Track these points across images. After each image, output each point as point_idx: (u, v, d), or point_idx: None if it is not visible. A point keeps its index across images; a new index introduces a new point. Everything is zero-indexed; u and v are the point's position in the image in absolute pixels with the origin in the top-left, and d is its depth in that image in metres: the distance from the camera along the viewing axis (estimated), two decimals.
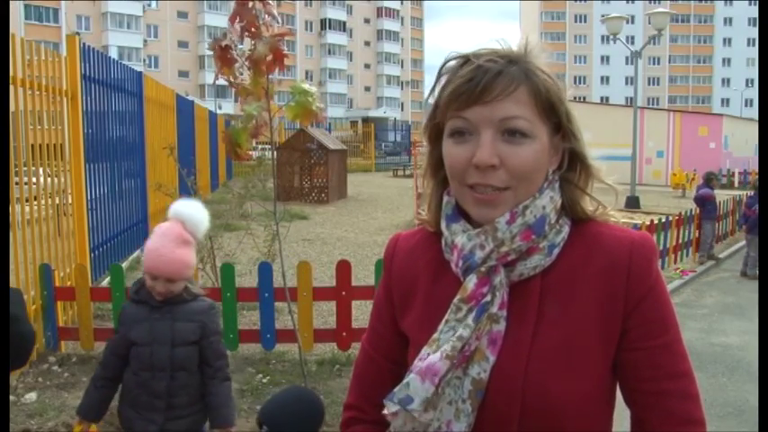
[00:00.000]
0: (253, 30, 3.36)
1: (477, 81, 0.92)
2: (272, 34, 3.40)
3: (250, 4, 3.37)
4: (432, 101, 1.01)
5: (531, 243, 0.96)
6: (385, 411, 0.97)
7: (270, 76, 3.46)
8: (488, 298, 0.95)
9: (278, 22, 3.44)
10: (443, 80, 0.98)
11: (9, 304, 1.47)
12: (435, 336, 0.96)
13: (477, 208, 0.96)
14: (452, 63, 0.98)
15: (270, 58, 3.38)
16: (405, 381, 0.95)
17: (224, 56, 3.39)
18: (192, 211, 2.47)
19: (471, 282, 0.96)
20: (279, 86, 3.59)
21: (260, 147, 17.63)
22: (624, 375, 0.98)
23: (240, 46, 3.44)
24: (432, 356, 0.94)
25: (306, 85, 3.49)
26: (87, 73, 6.36)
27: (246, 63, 3.42)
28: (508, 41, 0.99)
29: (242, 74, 3.45)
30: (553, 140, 0.98)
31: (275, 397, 1.14)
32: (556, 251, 0.98)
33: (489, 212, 0.95)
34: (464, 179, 0.95)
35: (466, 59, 0.96)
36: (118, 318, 2.61)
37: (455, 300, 0.97)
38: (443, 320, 0.97)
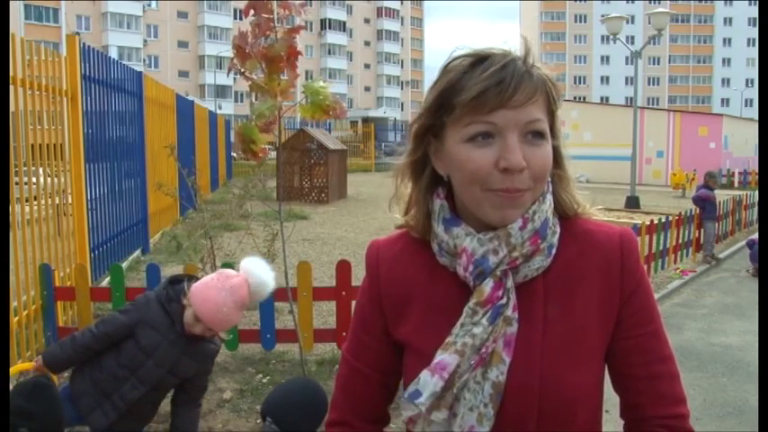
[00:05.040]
0: (270, 25, 3.34)
1: (507, 83, 0.91)
2: (287, 30, 3.39)
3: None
4: (432, 97, 0.97)
5: (536, 246, 0.98)
6: (404, 417, 0.96)
7: (283, 75, 3.44)
8: (504, 300, 0.96)
9: (302, 21, 3.42)
10: (453, 77, 0.94)
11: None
12: (450, 339, 0.96)
13: (502, 210, 0.94)
14: (461, 61, 0.95)
15: (284, 54, 3.36)
16: (416, 378, 0.96)
17: (240, 49, 3.37)
18: (265, 278, 2.38)
19: (488, 285, 0.96)
20: (294, 85, 3.53)
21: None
22: (616, 363, 1.02)
23: (251, 41, 3.40)
24: (443, 355, 0.95)
25: (319, 83, 3.45)
26: (87, 73, 6.36)
27: (261, 60, 3.39)
28: (510, 43, 0.98)
29: (254, 71, 3.41)
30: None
31: (278, 388, 1.13)
32: (553, 251, 1.00)
33: (512, 214, 0.95)
34: (487, 184, 0.93)
35: (479, 58, 0.94)
36: (135, 302, 2.49)
37: (470, 304, 0.97)
38: (458, 324, 0.97)
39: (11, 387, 1.49)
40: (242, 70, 3.41)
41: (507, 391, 0.95)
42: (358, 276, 5.01)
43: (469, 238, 0.97)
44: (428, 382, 0.94)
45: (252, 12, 3.38)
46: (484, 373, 0.95)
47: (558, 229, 1.02)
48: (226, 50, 58.62)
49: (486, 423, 0.94)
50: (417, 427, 0.96)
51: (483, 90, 0.91)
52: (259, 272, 2.35)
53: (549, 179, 1.02)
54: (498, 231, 0.96)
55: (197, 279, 2.44)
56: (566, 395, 0.95)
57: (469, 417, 0.95)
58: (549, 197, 1.00)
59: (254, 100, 3.48)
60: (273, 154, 17.85)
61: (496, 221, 0.96)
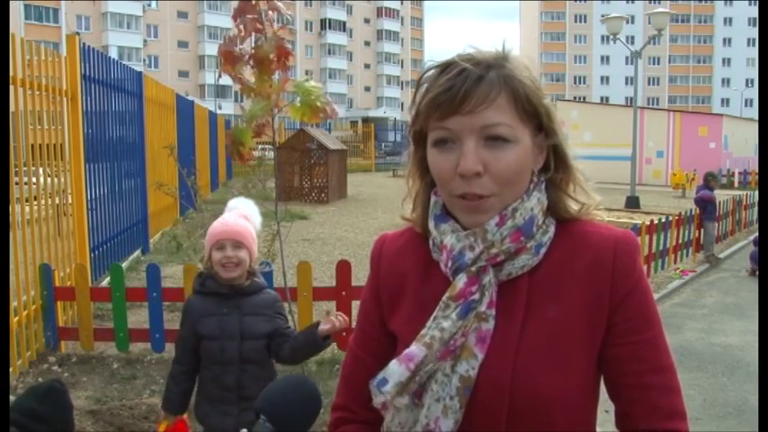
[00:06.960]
0: (257, 26, 3.33)
1: (457, 90, 0.93)
2: (275, 31, 3.38)
3: (254, 0, 3.35)
4: (413, 108, 1.02)
5: (520, 244, 0.98)
6: (374, 403, 0.99)
7: (275, 76, 3.44)
8: (476, 296, 0.97)
9: (287, 19, 3.41)
10: (423, 88, 0.98)
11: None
12: (423, 331, 0.98)
13: (466, 215, 0.98)
14: (432, 72, 0.98)
15: (273, 56, 3.35)
16: (386, 366, 0.98)
17: (228, 54, 3.37)
18: (245, 203, 2.68)
19: (461, 281, 0.98)
20: (285, 87, 3.53)
21: (260, 147, 17.60)
22: (609, 370, 1.00)
23: (240, 46, 3.41)
24: (412, 346, 0.97)
25: (310, 84, 3.45)
26: (87, 73, 6.36)
27: (251, 62, 3.39)
28: (481, 48, 0.99)
29: (244, 74, 3.41)
30: (536, 140, 0.99)
31: (272, 386, 1.12)
32: (542, 250, 1.00)
33: (478, 218, 0.97)
34: (452, 189, 0.96)
35: (444, 67, 0.96)
36: (183, 311, 2.62)
37: (444, 297, 0.99)
38: (432, 317, 0.99)
39: (13, 390, 1.48)
40: (232, 74, 3.41)
41: (477, 386, 0.95)
42: (358, 276, 5.01)
43: (451, 234, 1.00)
44: (395, 372, 0.96)
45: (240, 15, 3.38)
46: (453, 367, 0.96)
47: (552, 229, 1.01)
48: None
49: (451, 415, 0.95)
50: (387, 415, 1.00)
51: (435, 98, 0.95)
52: (238, 202, 2.67)
53: (543, 179, 1.02)
54: (476, 228, 0.98)
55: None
56: (540, 395, 0.94)
57: (435, 408, 0.96)
58: (537, 195, 1.00)
59: (242, 104, 3.48)
60: (272, 154, 17.90)
61: (468, 225, 0.99)
